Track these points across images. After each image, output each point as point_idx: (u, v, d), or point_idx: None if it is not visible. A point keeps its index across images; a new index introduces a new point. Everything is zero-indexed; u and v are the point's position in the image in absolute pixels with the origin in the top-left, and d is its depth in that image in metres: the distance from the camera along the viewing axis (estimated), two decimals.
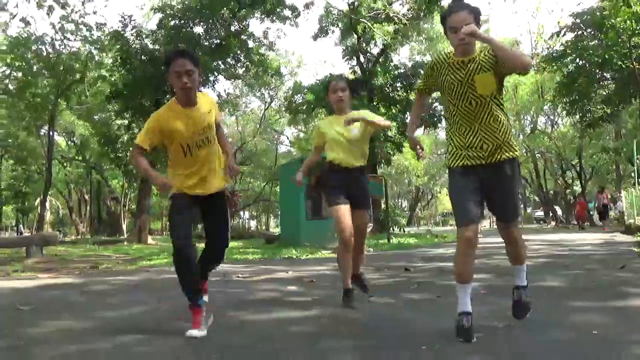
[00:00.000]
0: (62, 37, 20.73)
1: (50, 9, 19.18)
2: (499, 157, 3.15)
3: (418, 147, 3.56)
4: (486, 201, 3.28)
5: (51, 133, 24.22)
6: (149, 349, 3.06)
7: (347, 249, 4.39)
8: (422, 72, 18.57)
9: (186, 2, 21.10)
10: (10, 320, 4.16)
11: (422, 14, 21.68)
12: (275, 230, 36.01)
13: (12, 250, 12.47)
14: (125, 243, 19.51)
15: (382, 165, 22.73)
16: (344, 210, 4.37)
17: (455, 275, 3.18)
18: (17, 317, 4.26)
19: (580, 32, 19.00)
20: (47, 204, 26.80)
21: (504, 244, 3.40)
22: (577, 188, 38.77)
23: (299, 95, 25.11)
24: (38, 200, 32.92)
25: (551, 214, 38.84)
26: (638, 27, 16.63)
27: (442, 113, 3.29)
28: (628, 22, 16.33)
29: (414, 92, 18.62)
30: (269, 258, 10.63)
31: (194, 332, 3.32)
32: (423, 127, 29.15)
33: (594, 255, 8.69)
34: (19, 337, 3.39)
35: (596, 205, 24.96)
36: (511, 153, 3.19)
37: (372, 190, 15.70)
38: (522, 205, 52.05)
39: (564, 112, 27.96)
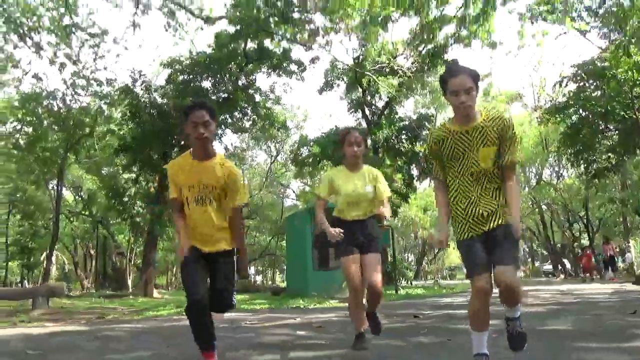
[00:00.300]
0: (73, 92, 21.22)
1: (62, 65, 19.74)
2: (494, 223, 3.23)
3: (444, 242, 3.51)
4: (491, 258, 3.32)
5: (59, 186, 24.42)
6: None
7: (356, 297, 4.35)
8: (426, 123, 18.58)
9: (195, 58, 21.64)
10: None
11: (425, 67, 22.10)
12: (281, 284, 35.71)
13: (18, 302, 12.40)
14: (130, 297, 19.36)
15: (387, 219, 22.75)
16: (352, 260, 4.34)
17: (471, 324, 3.18)
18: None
19: (582, 83, 19.21)
20: (53, 258, 26.74)
21: None
22: (585, 241, 38.46)
23: (305, 148, 25.40)
24: (44, 254, 32.88)
25: (560, 267, 38.42)
26: (639, 78, 16.86)
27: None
28: (629, 72, 16.58)
29: (419, 143, 18.75)
30: (276, 307, 10.53)
31: None
32: (429, 180, 29.28)
33: (603, 303, 8.59)
34: None
35: (602, 256, 24.65)
36: (505, 218, 3.26)
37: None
38: (529, 259, 51.69)
39: (569, 164, 28.09)
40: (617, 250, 27.78)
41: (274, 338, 5.20)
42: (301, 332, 5.65)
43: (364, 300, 4.49)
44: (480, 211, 3.20)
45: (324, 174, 4.76)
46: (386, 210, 4.53)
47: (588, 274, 25.13)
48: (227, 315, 4.15)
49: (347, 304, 4.65)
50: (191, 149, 3.66)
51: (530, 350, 3.44)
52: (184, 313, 3.51)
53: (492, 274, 3.17)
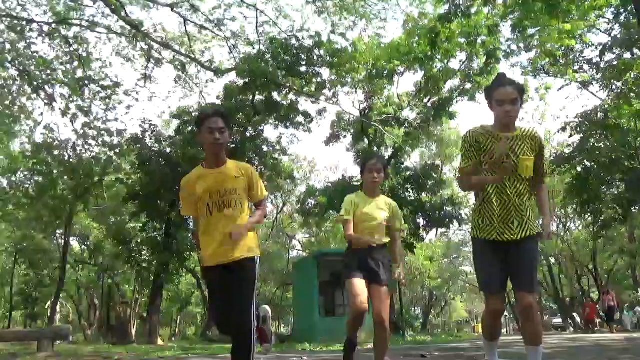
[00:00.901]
0: (84, 142, 21.56)
1: (74, 116, 20.13)
2: (524, 233, 3.32)
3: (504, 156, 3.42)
4: (509, 274, 3.38)
5: (67, 235, 24.52)
6: None
7: (357, 320, 4.33)
8: (432, 173, 18.66)
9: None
10: None
11: (431, 119, 22.44)
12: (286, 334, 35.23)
13: (22, 346, 12.34)
14: (135, 344, 19.17)
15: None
16: (357, 282, 4.33)
17: (484, 335, 3.25)
18: None
19: (587, 133, 19.40)
20: (58, 307, 26.61)
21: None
22: (595, 295, 37.93)
23: (311, 198, 25.54)
24: (49, 303, 32.69)
25: (570, 321, 37.78)
26: None
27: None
28: (633, 122, 16.80)
29: (425, 193, 18.83)
30: (282, 350, 10.45)
31: None
32: (435, 229, 29.28)
33: (617, 345, 8.51)
34: None
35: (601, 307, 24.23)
36: (535, 230, 3.36)
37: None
38: (539, 314, 50.97)
39: (575, 215, 28.07)
40: (626, 305, 27.43)
41: None
42: None
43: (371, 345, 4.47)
44: (512, 218, 3.30)
45: (345, 198, 4.83)
46: (400, 255, 4.66)
47: (590, 325, 24.77)
48: None
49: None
50: (203, 161, 3.76)
51: None
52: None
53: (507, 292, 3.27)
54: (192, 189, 3.69)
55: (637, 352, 6.75)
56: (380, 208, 4.61)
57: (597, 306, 25.39)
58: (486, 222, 3.34)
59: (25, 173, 24.33)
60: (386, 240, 4.62)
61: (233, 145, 21.97)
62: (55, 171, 23.10)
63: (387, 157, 24.25)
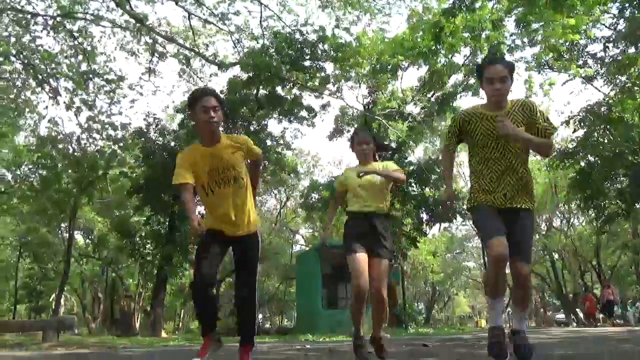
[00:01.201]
0: (88, 136, 21.63)
1: (79, 109, 20.20)
2: (517, 205, 3.36)
3: (453, 199, 3.70)
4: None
5: (71, 228, 24.62)
6: None
7: (359, 299, 4.32)
8: (436, 168, 18.62)
9: None
10: None
11: (434, 113, 22.46)
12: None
13: (28, 337, 12.44)
14: (139, 336, 19.27)
15: (398, 258, 22.67)
16: (359, 259, 4.31)
17: (487, 291, 3.25)
18: None
19: (591, 127, 19.35)
20: (62, 300, 26.75)
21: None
22: (598, 291, 37.90)
23: (315, 192, 25.59)
24: (53, 296, 32.85)
25: (572, 317, 37.77)
26: None
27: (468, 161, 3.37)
28: (637, 117, 16.79)
29: (429, 188, 18.84)
30: (285, 341, 10.54)
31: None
32: (439, 224, 29.26)
33: (617, 336, 8.54)
34: None
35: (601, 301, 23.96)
36: (530, 204, 3.40)
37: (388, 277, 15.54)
38: (541, 309, 50.87)
39: (579, 210, 28.06)
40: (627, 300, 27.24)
41: (287, 353, 5.27)
42: (312, 353, 5.72)
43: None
44: (504, 191, 3.34)
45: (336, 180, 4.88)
46: (396, 172, 4.61)
47: (592, 319, 24.51)
48: None
49: None
50: (198, 140, 3.82)
51: None
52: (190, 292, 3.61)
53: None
54: (191, 163, 3.70)
55: (638, 341, 6.79)
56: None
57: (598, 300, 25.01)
58: (480, 194, 3.39)
59: (30, 166, 24.42)
60: (386, 209, 4.62)
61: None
62: (59, 164, 23.19)
63: (390, 152, 24.28)
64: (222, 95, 16.72)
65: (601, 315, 24.19)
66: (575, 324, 33.84)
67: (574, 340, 7.44)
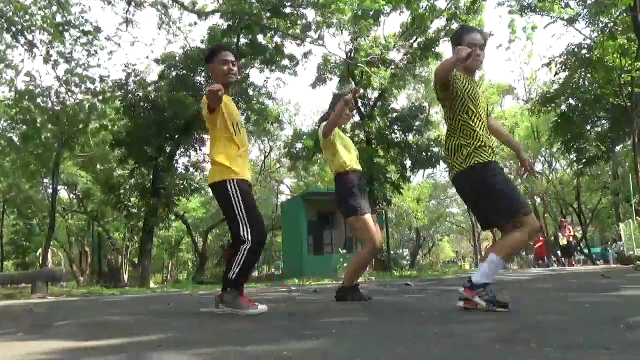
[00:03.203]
0: (67, 89, 21.26)
1: (56, 62, 19.79)
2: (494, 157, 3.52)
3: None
4: None
5: (54, 183, 24.46)
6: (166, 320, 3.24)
7: (373, 255, 4.81)
8: (419, 114, 18.59)
9: (188, 52, 21.81)
10: (29, 317, 4.31)
11: (417, 59, 22.33)
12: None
13: (16, 290, 12.51)
14: (127, 287, 19.48)
15: (382, 204, 22.92)
16: (371, 219, 4.60)
17: (508, 257, 3.36)
18: (34, 316, 4.41)
19: (572, 69, 19.36)
20: (49, 255, 26.80)
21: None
22: (579, 233, 38.65)
23: (298, 142, 25.56)
24: (39, 251, 32.93)
25: (553, 257, 38.55)
26: (627, 64, 17.09)
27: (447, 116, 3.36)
28: (617, 59, 16.82)
29: (412, 134, 18.82)
30: (271, 286, 10.75)
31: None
32: (422, 171, 29.50)
33: (589, 272, 8.80)
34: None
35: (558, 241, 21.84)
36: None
37: None
38: (523, 252, 51.99)
39: (560, 154, 28.38)
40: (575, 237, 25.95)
41: (269, 296, 5.40)
42: (296, 293, 5.86)
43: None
44: (490, 143, 3.49)
45: None
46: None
47: (540, 261, 23.28)
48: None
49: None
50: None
51: (516, 300, 3.72)
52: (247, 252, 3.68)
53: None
54: (228, 103, 3.91)
55: (588, 277, 7.03)
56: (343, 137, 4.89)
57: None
58: (485, 148, 3.48)
59: (9, 121, 24.05)
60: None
61: None
62: (38, 119, 22.86)
63: (373, 99, 24.25)
64: (202, 45, 16.50)
65: (554, 258, 22.88)
66: (555, 265, 34.65)
67: (537, 277, 7.73)
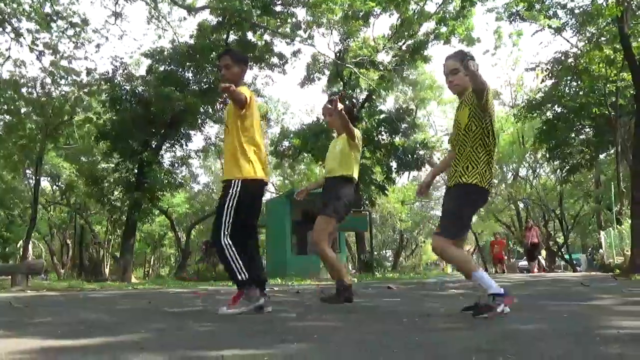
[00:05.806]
0: (53, 80, 21.02)
1: (42, 53, 19.57)
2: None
3: (424, 187, 4.17)
4: None
5: (38, 174, 24.20)
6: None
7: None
8: (406, 117, 18.68)
9: (177, 47, 21.69)
10: (8, 312, 4.28)
11: (406, 62, 22.41)
12: None
13: None
14: (108, 282, 19.37)
15: (367, 206, 23.00)
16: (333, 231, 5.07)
17: (470, 271, 3.45)
18: (13, 311, 4.38)
19: (558, 76, 19.48)
20: (30, 247, 26.52)
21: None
22: (560, 239, 38.99)
23: (285, 140, 25.53)
24: (20, 242, 32.58)
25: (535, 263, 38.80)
26: (611, 74, 17.30)
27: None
28: (603, 68, 17.01)
29: (399, 136, 18.90)
30: None
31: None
32: (408, 173, 29.60)
33: (570, 279, 8.91)
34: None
35: (525, 243, 21.72)
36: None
37: (356, 225, 15.72)
38: (506, 257, 52.47)
39: (545, 161, 28.61)
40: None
41: None
42: (279, 294, 5.87)
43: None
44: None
45: None
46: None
47: (499, 265, 22.65)
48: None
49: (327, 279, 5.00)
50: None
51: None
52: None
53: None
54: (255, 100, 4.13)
55: (569, 285, 7.12)
56: (336, 143, 5.09)
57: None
58: (488, 173, 3.60)
59: None
60: (343, 172, 4.98)
61: (206, 86, 21.76)
62: (23, 109, 22.59)
63: (361, 100, 24.30)
64: (191, 41, 16.42)
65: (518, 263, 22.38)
66: (536, 271, 34.92)
67: (528, 282, 7.80)
